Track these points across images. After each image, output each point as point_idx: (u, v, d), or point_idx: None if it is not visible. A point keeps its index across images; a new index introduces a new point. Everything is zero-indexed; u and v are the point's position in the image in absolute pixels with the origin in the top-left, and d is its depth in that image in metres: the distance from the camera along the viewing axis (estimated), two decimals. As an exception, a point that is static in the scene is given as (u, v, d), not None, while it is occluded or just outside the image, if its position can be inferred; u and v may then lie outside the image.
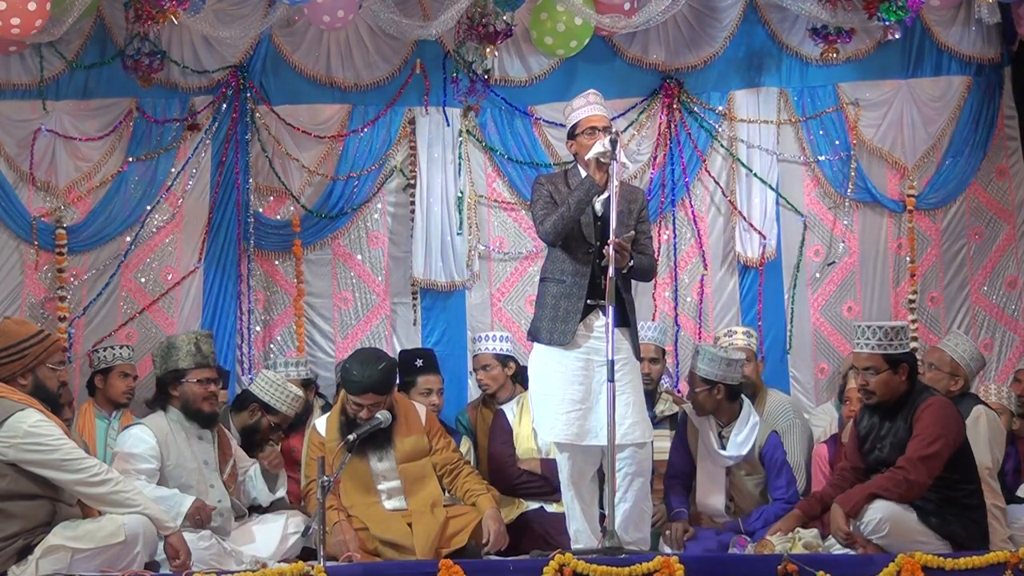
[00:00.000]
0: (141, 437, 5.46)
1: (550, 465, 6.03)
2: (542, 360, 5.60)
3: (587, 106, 5.69)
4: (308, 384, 7.07)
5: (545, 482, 6.22)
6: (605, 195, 5.52)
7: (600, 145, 5.46)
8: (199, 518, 5.28)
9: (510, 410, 6.54)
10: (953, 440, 5.31)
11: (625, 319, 5.54)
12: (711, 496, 5.98)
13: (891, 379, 5.41)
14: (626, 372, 5.49)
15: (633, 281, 5.72)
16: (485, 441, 6.67)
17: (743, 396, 6.10)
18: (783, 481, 5.98)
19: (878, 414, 5.50)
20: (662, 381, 7.02)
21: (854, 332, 5.63)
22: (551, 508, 6.20)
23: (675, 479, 6.10)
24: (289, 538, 5.59)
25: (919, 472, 5.21)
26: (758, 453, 5.99)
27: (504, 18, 7.28)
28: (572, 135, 5.72)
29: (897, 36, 7.59)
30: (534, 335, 5.64)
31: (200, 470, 5.52)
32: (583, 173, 5.64)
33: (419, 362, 6.74)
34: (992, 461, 5.85)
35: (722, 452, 5.96)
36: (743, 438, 5.98)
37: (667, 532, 5.84)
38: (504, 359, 6.81)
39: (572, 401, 5.46)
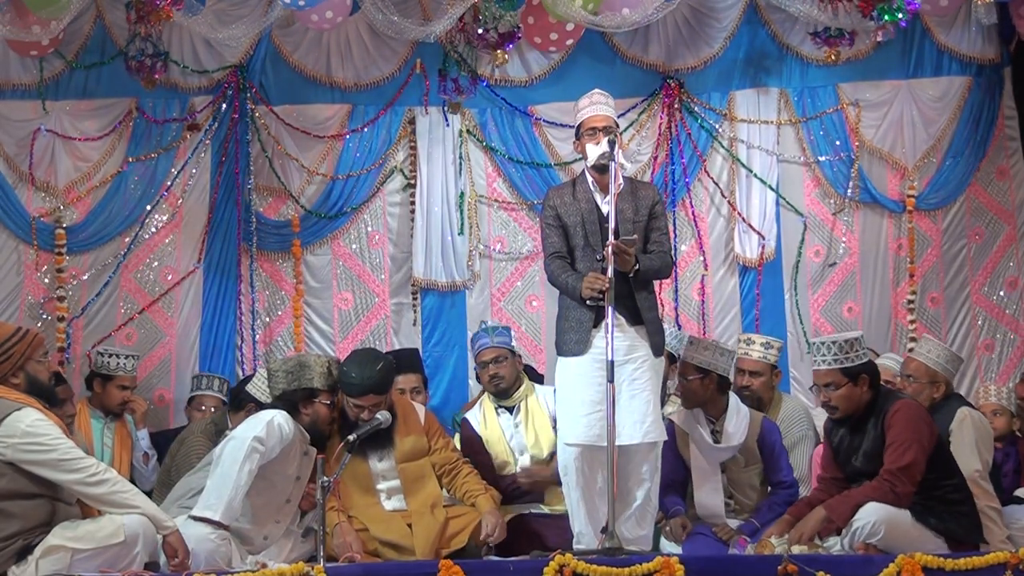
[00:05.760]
0: (286, 423, 5.37)
1: (528, 473, 6.13)
2: (565, 367, 5.61)
3: (590, 106, 5.68)
4: None
5: (532, 484, 6.20)
6: (609, 196, 5.52)
7: (598, 148, 5.48)
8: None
9: (473, 417, 6.38)
10: (927, 443, 5.29)
11: (639, 317, 5.53)
12: (709, 497, 5.94)
13: (852, 392, 5.40)
14: (645, 370, 5.49)
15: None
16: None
17: (730, 392, 6.10)
18: (784, 463, 6.00)
19: (846, 426, 5.48)
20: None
21: (813, 350, 5.56)
22: (542, 510, 6.18)
23: (668, 488, 6.06)
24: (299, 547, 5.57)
25: (902, 482, 5.20)
26: (755, 440, 5.99)
27: (507, 19, 7.26)
28: (578, 135, 5.73)
29: (880, 39, 7.55)
30: (559, 349, 5.66)
31: (291, 482, 5.50)
32: (588, 177, 5.67)
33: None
34: (981, 463, 5.81)
35: (718, 446, 5.95)
36: (734, 427, 5.96)
37: (667, 528, 5.84)
38: (512, 350, 6.49)
39: (592, 403, 5.43)
